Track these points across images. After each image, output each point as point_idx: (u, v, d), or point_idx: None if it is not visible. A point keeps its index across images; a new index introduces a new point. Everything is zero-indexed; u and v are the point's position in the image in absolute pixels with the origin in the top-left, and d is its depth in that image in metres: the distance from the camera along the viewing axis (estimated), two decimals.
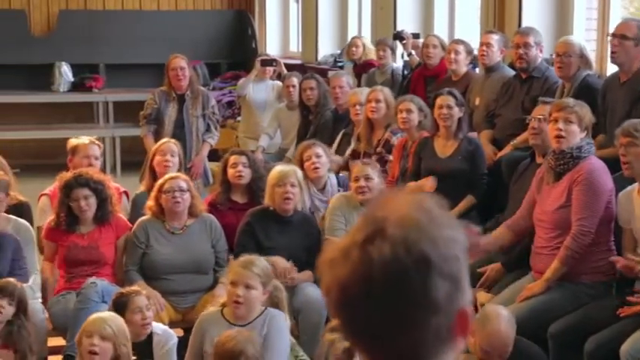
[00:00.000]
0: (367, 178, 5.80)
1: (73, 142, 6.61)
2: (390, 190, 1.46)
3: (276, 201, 5.80)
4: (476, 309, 4.89)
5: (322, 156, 6.36)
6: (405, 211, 1.44)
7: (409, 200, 1.47)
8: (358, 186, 5.82)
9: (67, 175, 5.83)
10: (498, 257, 5.52)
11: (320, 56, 11.81)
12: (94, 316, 4.51)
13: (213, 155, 8.43)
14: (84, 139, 6.60)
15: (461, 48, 7.40)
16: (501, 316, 4.32)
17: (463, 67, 7.43)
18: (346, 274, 1.42)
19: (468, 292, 1.47)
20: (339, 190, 6.42)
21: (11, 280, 5.05)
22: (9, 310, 4.89)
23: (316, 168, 6.33)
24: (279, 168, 5.96)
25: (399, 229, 1.42)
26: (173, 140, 6.81)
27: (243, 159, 6.33)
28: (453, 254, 1.43)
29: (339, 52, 11.23)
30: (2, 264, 5.43)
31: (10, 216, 5.83)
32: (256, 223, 5.80)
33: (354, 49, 9.51)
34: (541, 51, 6.59)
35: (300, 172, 5.96)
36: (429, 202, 1.48)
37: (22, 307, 4.92)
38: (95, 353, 4.33)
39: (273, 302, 4.83)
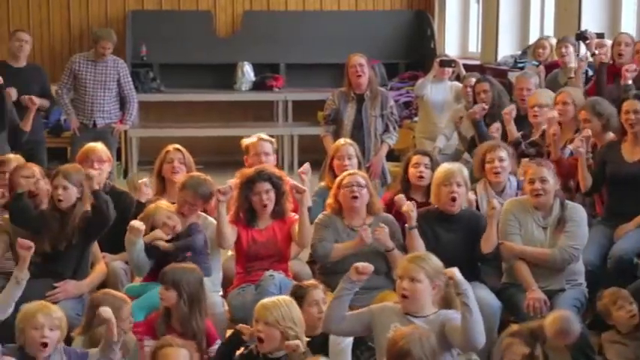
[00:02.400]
0: (543, 180, 5.64)
1: (245, 141, 6.74)
2: None
3: (442, 200, 5.72)
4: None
5: (505, 160, 6.19)
6: None
7: None
8: (533, 188, 5.65)
9: (248, 171, 5.96)
10: None
11: (499, 57, 11.64)
12: (260, 303, 4.59)
13: (390, 155, 8.44)
14: (254, 138, 6.71)
15: None
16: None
17: None
18: None
19: None
20: (516, 194, 6.25)
21: (170, 266, 5.10)
22: (167, 295, 4.90)
23: (497, 172, 6.19)
24: (445, 167, 5.85)
25: None
26: (350, 141, 6.82)
27: (426, 160, 6.27)
28: None
29: (519, 52, 11.04)
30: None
31: (201, 213, 5.94)
32: (423, 222, 5.73)
33: (540, 50, 9.36)
34: None
35: (466, 171, 5.84)
36: None
37: (181, 293, 4.88)
38: (260, 339, 4.47)
39: (446, 299, 4.72)
